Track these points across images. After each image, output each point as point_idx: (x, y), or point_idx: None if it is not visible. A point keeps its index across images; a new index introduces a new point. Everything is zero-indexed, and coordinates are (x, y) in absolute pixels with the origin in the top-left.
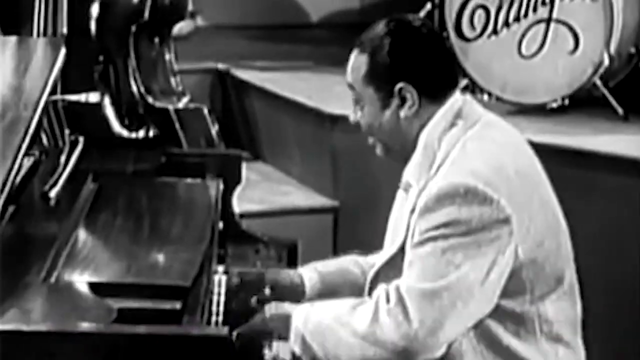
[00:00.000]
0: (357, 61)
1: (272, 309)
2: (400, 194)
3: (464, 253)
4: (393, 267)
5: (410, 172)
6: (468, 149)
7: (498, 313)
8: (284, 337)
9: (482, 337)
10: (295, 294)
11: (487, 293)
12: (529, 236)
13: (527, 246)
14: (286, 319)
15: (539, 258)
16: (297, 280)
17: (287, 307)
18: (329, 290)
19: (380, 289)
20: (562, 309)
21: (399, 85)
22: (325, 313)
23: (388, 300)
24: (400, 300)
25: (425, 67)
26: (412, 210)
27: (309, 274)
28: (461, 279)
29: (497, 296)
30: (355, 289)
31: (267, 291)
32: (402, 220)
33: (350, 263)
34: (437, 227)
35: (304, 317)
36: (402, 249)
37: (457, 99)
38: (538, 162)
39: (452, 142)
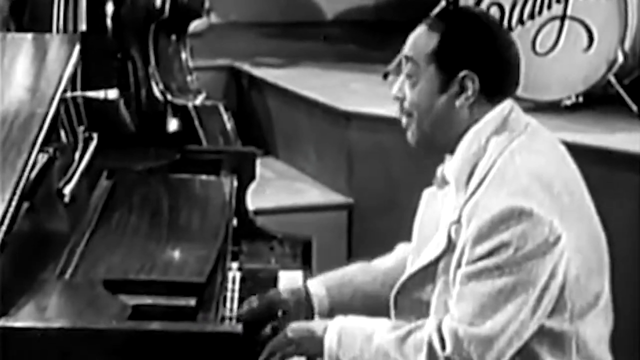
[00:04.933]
0: (427, 37)
1: (297, 329)
2: (428, 192)
3: (517, 287)
4: (425, 277)
5: (450, 170)
6: (517, 163)
7: (538, 332)
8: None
9: (519, 354)
10: (304, 312)
11: (537, 319)
12: (576, 254)
13: (573, 264)
14: (318, 341)
15: (582, 275)
16: (303, 299)
17: (313, 325)
18: (340, 304)
19: (430, 325)
20: (598, 328)
21: (464, 72)
22: (364, 343)
23: (444, 347)
24: (459, 346)
25: (493, 62)
26: (456, 222)
27: (315, 291)
28: (517, 316)
29: (545, 316)
30: (366, 299)
31: (279, 314)
32: (433, 223)
33: (358, 272)
34: (490, 254)
35: (337, 339)
36: (437, 260)
37: (507, 103)
38: (577, 170)
39: (499, 149)
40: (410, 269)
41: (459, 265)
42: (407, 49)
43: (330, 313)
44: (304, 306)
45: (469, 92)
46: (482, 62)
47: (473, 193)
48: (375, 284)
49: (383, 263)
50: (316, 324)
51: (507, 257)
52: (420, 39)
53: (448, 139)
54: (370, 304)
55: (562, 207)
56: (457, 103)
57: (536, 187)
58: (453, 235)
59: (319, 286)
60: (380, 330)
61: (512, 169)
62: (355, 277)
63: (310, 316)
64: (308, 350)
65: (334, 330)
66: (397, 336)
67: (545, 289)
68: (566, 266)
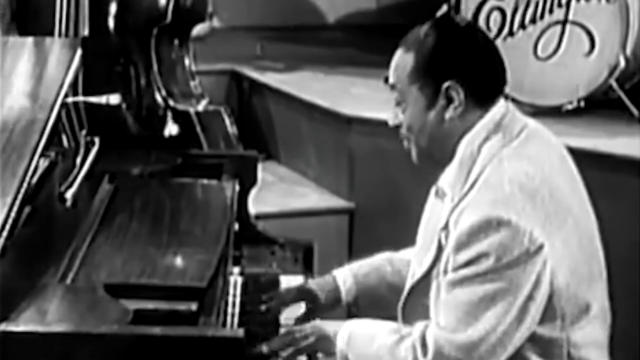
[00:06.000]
0: (402, 60)
1: (315, 327)
2: (431, 199)
3: (498, 295)
4: (425, 287)
5: (446, 180)
6: (503, 171)
7: (528, 338)
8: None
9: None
10: (332, 300)
11: (524, 329)
12: (563, 262)
13: (560, 273)
14: (331, 340)
15: (572, 284)
16: (332, 287)
17: (329, 326)
18: (366, 293)
19: (417, 330)
20: (592, 333)
21: (447, 83)
22: (368, 343)
23: (425, 354)
24: (440, 353)
25: (473, 66)
26: (444, 228)
27: (342, 277)
28: (498, 326)
29: (535, 325)
30: (390, 290)
31: (302, 308)
32: (432, 230)
33: (384, 262)
34: (470, 263)
35: (347, 338)
36: (431, 267)
37: (500, 107)
38: (576, 174)
39: (490, 155)
40: (412, 280)
41: (445, 272)
42: (390, 77)
43: (355, 302)
44: (332, 296)
45: (456, 102)
46: (461, 70)
47: (461, 200)
48: (401, 275)
49: (408, 254)
50: (332, 325)
51: (488, 266)
52: (398, 64)
53: (446, 150)
54: (394, 295)
55: (546, 215)
56: (447, 115)
57: (518, 196)
58: (443, 241)
59: (347, 274)
60: (382, 332)
61: (498, 177)
62: (382, 268)
63: (337, 305)
64: (321, 346)
65: (346, 331)
66: (393, 341)
67: (529, 298)
68: (551, 275)
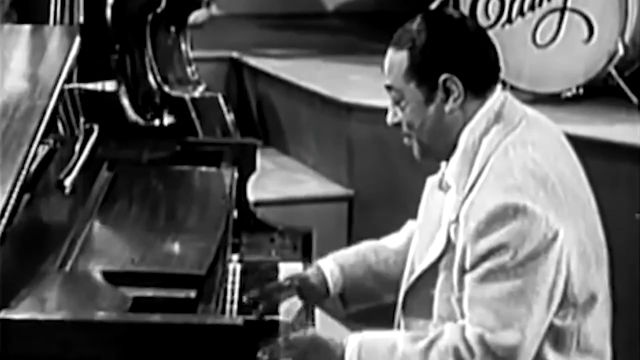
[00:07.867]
0: (396, 58)
1: (316, 339)
2: (429, 191)
3: (527, 288)
4: (430, 279)
5: (450, 173)
6: (510, 158)
7: None
8: None
9: None
10: (319, 293)
11: (551, 315)
12: (574, 248)
13: (574, 257)
14: (333, 353)
15: (581, 270)
16: (320, 279)
17: (332, 340)
18: (353, 284)
19: (452, 332)
20: (598, 322)
21: (443, 76)
22: (387, 354)
23: (472, 355)
24: (488, 353)
25: (467, 56)
26: (455, 221)
27: (329, 269)
28: (532, 317)
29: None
30: (377, 278)
31: (294, 299)
32: (435, 220)
33: (369, 251)
34: (491, 254)
35: (357, 351)
36: (438, 259)
37: (498, 96)
38: (576, 161)
39: (493, 144)
40: (410, 273)
41: (462, 266)
42: (386, 78)
43: (342, 293)
44: (320, 288)
45: (455, 94)
46: (457, 61)
47: (469, 191)
48: (388, 264)
49: (393, 242)
50: (333, 337)
51: (509, 259)
52: (392, 64)
53: (448, 144)
54: (381, 284)
55: (558, 201)
56: (447, 108)
57: (530, 183)
58: (452, 234)
59: (333, 266)
60: (403, 341)
61: (506, 164)
62: (367, 257)
63: (325, 297)
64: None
65: (354, 344)
66: (421, 348)
67: (554, 286)
68: (567, 260)
